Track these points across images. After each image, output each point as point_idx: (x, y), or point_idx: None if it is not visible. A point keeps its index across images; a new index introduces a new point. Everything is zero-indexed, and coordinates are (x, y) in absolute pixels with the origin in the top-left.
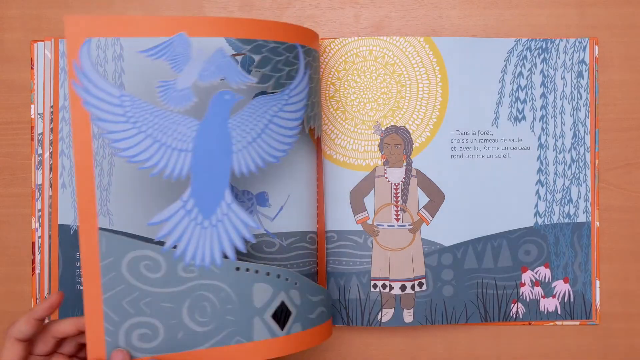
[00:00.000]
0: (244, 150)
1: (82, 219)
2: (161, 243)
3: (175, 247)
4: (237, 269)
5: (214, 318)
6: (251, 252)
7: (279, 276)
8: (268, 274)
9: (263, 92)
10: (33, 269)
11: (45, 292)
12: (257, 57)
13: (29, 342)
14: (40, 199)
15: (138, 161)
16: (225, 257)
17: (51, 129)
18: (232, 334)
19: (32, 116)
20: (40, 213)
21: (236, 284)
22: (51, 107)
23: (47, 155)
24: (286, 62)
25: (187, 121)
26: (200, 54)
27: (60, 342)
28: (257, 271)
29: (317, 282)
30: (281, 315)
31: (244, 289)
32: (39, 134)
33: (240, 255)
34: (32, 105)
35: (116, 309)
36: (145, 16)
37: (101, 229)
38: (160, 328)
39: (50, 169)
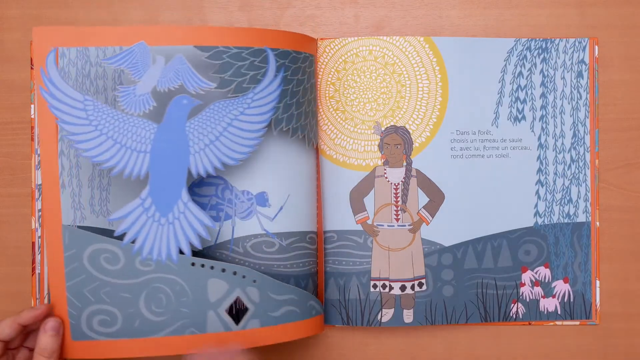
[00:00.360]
0: (202, 152)
1: (48, 214)
2: (121, 238)
3: (133, 242)
4: (193, 264)
5: (168, 309)
6: (250, 252)
7: (235, 273)
8: (223, 270)
9: (224, 96)
10: (33, 269)
11: (45, 291)
12: (217, 63)
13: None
14: (40, 199)
15: (99, 161)
16: (182, 252)
17: None
18: (186, 325)
19: (32, 116)
20: (40, 213)
21: (191, 279)
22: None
23: None
24: (250, 67)
25: (146, 124)
26: (160, 61)
27: (27, 335)
28: (212, 267)
29: (317, 282)
30: (236, 311)
31: (199, 283)
32: (38, 134)
33: (238, 254)
34: (32, 105)
35: (78, 296)
36: (108, 27)
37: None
38: (119, 316)
39: None
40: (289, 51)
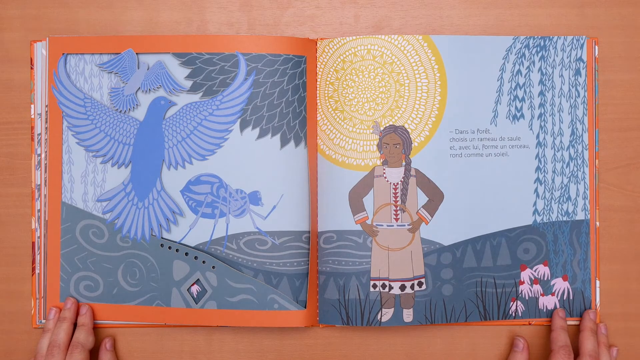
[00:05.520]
0: (174, 147)
1: (51, 192)
2: (106, 216)
3: (115, 220)
4: (162, 245)
5: (141, 282)
6: (243, 249)
7: (196, 258)
8: (186, 254)
9: (196, 98)
10: (33, 269)
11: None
12: (190, 68)
13: None
14: (40, 198)
15: (93, 150)
16: (154, 234)
17: (46, 128)
18: (154, 298)
19: (32, 116)
20: (40, 213)
21: (159, 258)
22: (46, 105)
23: (43, 155)
24: (220, 71)
25: (131, 121)
26: (143, 66)
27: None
28: (177, 250)
29: (308, 280)
30: (195, 291)
31: (166, 262)
32: (38, 134)
33: (232, 251)
34: (32, 105)
35: (70, 263)
36: (106, 36)
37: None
38: (101, 283)
39: (46, 169)
40: (263, 55)
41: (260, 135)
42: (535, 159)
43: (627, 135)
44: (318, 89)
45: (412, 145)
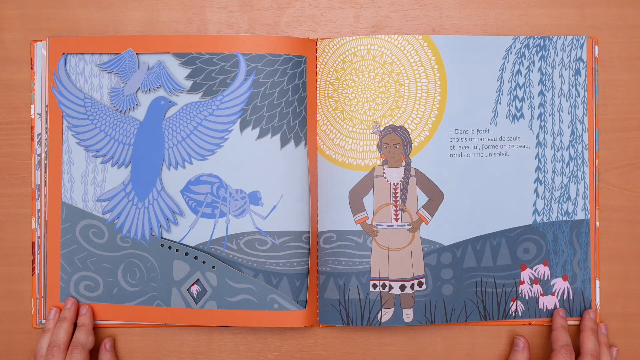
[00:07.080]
0: (174, 147)
1: (51, 192)
2: (106, 216)
3: (115, 220)
4: (162, 245)
5: (141, 282)
6: (243, 249)
7: (196, 258)
8: (186, 254)
9: (196, 98)
10: (33, 269)
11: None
12: (190, 68)
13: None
14: (40, 198)
15: (93, 150)
16: (153, 234)
17: (46, 128)
18: (154, 298)
19: (32, 116)
20: (40, 213)
21: (160, 258)
22: (46, 105)
23: (43, 155)
24: (220, 71)
25: (131, 120)
26: (143, 66)
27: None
28: (177, 250)
29: (308, 280)
30: (195, 291)
31: (166, 262)
32: (38, 134)
33: (232, 251)
34: (32, 105)
35: (70, 263)
36: (107, 36)
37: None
38: (101, 283)
39: (46, 169)
40: (263, 55)
41: (260, 135)
42: (535, 158)
43: (627, 135)
44: (318, 89)
45: (412, 145)
